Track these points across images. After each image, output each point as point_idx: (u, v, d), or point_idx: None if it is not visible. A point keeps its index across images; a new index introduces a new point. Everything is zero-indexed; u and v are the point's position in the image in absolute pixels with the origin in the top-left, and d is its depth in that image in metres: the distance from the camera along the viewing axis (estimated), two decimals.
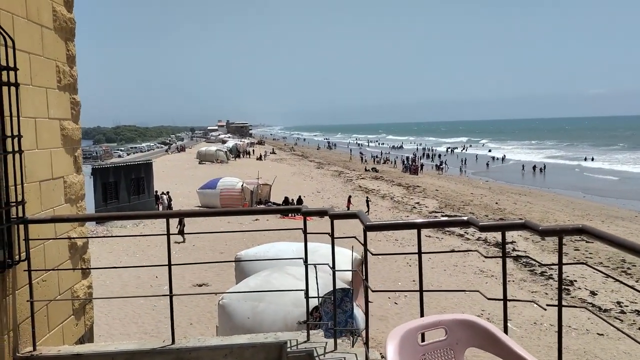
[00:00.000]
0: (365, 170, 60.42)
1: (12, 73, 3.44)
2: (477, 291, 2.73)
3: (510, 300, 2.70)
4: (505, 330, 2.56)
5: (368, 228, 2.90)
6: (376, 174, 57.03)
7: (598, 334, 13.36)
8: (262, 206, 29.66)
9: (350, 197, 34.30)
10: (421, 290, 2.86)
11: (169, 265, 3.44)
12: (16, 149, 3.47)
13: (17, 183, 3.47)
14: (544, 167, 62.47)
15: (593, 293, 16.67)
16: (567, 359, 12.13)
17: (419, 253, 2.90)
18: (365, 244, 3.04)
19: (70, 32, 4.47)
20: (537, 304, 3.13)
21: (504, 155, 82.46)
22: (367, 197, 35.35)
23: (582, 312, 14.72)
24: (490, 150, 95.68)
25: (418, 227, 2.92)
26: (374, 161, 73.97)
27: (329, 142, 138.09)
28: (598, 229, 2.38)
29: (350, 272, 9.73)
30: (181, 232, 22.20)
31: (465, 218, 2.76)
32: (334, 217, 3.28)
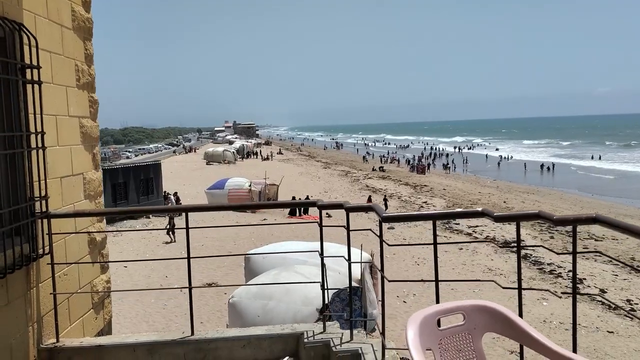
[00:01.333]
0: (373, 169, 60.44)
1: (35, 71, 3.53)
2: (493, 281, 2.79)
3: (525, 289, 2.75)
4: (521, 318, 2.61)
5: (384, 219, 2.96)
6: (383, 173, 57.02)
7: (608, 331, 13.35)
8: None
9: (370, 197, 34.73)
10: (437, 280, 2.92)
11: (188, 258, 3.52)
12: (39, 145, 3.56)
13: (40, 179, 3.56)
14: (553, 166, 62.21)
15: (603, 291, 16.65)
16: None
17: (435, 244, 2.96)
18: (380, 236, 3.10)
19: (88, 31, 4.57)
20: (551, 292, 3.17)
21: (511, 155, 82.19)
22: (384, 196, 35.87)
23: (592, 310, 14.72)
24: (497, 149, 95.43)
25: (433, 218, 2.98)
26: (381, 161, 74.03)
27: (337, 143, 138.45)
28: (610, 217, 2.43)
29: (360, 271, 9.80)
30: (171, 231, 22.31)
31: (479, 209, 2.82)
32: (350, 210, 3.34)
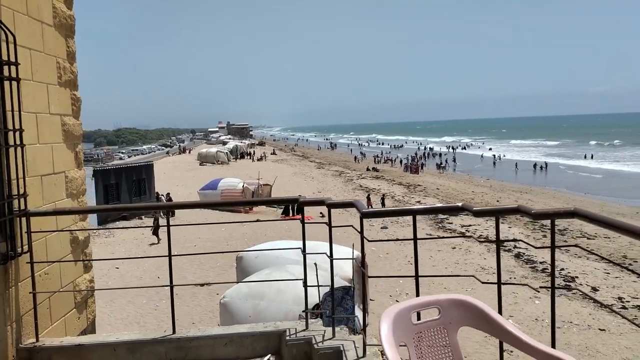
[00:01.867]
0: (367, 169, 60.53)
1: (13, 68, 3.49)
2: (472, 276, 2.79)
3: (504, 284, 2.75)
4: (500, 313, 2.60)
5: (364, 215, 2.95)
6: (377, 173, 57.10)
7: (600, 329, 13.41)
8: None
9: (369, 195, 35.06)
10: (417, 276, 2.91)
11: (169, 255, 3.50)
12: (18, 142, 3.52)
13: (19, 176, 3.52)
14: (545, 165, 62.52)
15: (594, 289, 16.72)
16: (569, 354, 12.16)
17: (415, 239, 2.95)
18: (361, 232, 3.09)
19: (70, 28, 4.53)
20: (530, 286, 3.19)
21: (503, 154, 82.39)
22: (382, 195, 36.41)
23: (584, 308, 14.77)
24: (490, 149, 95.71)
25: (413, 213, 2.96)
26: (375, 161, 74.14)
27: (331, 143, 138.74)
28: (590, 211, 2.42)
29: (351, 269, 9.80)
30: (155, 232, 22.28)
31: (459, 204, 2.81)
32: (331, 206, 3.33)
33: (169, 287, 3.67)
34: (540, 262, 19.69)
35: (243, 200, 27.30)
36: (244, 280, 10.23)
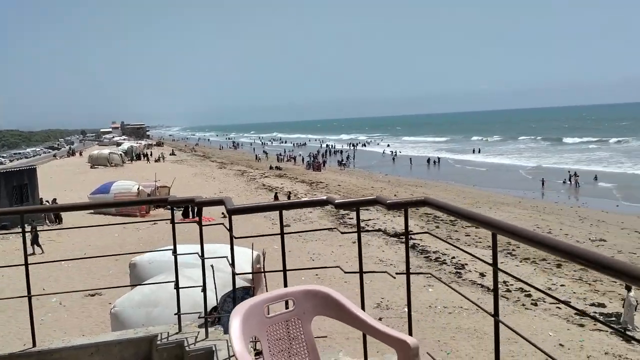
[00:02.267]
0: (270, 168, 60.53)
1: None
2: (338, 267, 2.86)
3: (365, 272, 2.83)
4: (362, 301, 2.69)
5: (231, 212, 2.93)
6: (280, 171, 57.28)
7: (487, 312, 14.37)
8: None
9: (276, 194, 35.45)
10: (285, 270, 2.93)
11: (26, 264, 3.26)
12: None
13: None
14: (438, 160, 66.14)
15: (482, 275, 17.86)
16: (459, 337, 12.95)
17: (282, 234, 2.97)
18: (230, 229, 3.06)
19: None
20: (388, 273, 3.33)
21: (399, 151, 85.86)
22: (288, 193, 37.00)
23: (473, 293, 15.74)
24: (388, 145, 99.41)
25: (280, 208, 2.99)
26: (278, 159, 74.29)
27: (234, 142, 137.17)
28: (438, 200, 2.56)
29: (251, 270, 9.72)
30: (35, 243, 20.25)
31: (324, 197, 2.86)
32: (201, 204, 3.28)
33: (20, 297, 3.40)
34: (434, 252, 20.80)
35: (111, 201, 26.37)
36: (139, 289, 9.78)
